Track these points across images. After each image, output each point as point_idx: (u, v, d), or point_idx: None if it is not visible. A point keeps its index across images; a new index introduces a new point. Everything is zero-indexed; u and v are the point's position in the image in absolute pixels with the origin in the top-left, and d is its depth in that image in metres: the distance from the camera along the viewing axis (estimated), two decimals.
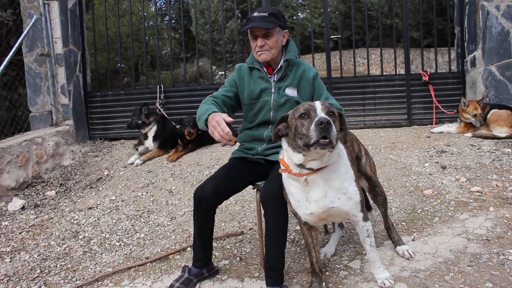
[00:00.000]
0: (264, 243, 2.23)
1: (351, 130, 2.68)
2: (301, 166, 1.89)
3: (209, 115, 2.13)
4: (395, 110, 5.72)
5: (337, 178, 1.93)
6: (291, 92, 2.40)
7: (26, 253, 3.04)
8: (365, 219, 2.09)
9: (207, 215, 2.33)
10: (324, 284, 2.19)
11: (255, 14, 2.34)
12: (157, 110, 5.48)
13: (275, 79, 2.42)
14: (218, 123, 2.05)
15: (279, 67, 2.41)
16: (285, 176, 2.03)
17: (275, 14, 2.33)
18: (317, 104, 1.84)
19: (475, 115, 4.66)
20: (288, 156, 1.93)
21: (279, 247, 2.17)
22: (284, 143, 1.96)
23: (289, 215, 2.20)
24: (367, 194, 2.57)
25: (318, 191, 1.92)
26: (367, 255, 2.18)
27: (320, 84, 2.45)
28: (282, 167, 1.98)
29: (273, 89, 2.40)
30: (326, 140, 1.69)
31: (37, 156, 4.56)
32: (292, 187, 1.99)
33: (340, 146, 1.98)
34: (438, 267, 2.27)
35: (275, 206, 2.12)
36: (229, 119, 2.07)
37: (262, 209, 2.23)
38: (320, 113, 1.78)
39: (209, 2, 6.99)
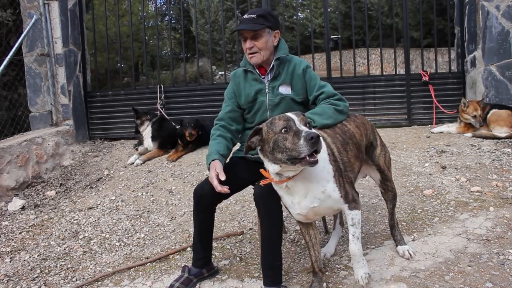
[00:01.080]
0: (260, 243, 2.23)
1: None
2: (278, 174, 1.92)
3: (211, 161, 2.24)
4: (395, 110, 5.72)
5: (315, 178, 1.93)
6: (284, 90, 2.40)
7: (26, 253, 3.04)
8: (351, 208, 2.04)
9: (206, 214, 2.34)
10: (324, 284, 2.19)
11: (245, 16, 2.36)
12: (157, 111, 5.49)
13: (269, 79, 2.42)
14: (212, 179, 2.16)
15: (271, 66, 2.41)
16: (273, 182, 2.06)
17: (264, 15, 2.34)
18: (294, 117, 1.84)
19: (474, 116, 4.66)
20: (265, 166, 1.96)
21: (274, 247, 2.17)
22: (260, 154, 1.97)
23: (288, 215, 2.20)
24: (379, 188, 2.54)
25: (299, 194, 1.97)
26: (349, 245, 2.07)
27: (312, 76, 2.42)
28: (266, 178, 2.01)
29: (267, 89, 2.41)
30: (316, 159, 1.74)
31: (37, 156, 4.56)
32: (279, 190, 2.05)
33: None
34: (438, 267, 2.27)
35: (269, 206, 2.13)
36: (222, 176, 2.15)
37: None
38: (300, 126, 1.79)
39: (209, 2, 7.00)
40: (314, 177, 1.94)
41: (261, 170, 2.02)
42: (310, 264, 2.32)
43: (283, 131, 1.81)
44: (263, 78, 2.43)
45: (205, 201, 2.28)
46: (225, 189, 2.12)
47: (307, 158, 1.74)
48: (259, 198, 2.15)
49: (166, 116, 5.42)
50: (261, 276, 2.38)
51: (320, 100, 2.35)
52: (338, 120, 2.25)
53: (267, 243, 2.17)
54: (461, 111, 4.79)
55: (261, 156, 1.97)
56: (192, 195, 2.34)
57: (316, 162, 1.75)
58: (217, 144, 2.35)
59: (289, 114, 1.87)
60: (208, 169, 2.23)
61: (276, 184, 2.00)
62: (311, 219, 2.14)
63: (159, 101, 5.65)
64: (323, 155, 1.96)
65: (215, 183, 2.14)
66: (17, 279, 2.69)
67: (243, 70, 2.48)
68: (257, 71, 2.43)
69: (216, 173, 2.16)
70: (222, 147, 2.33)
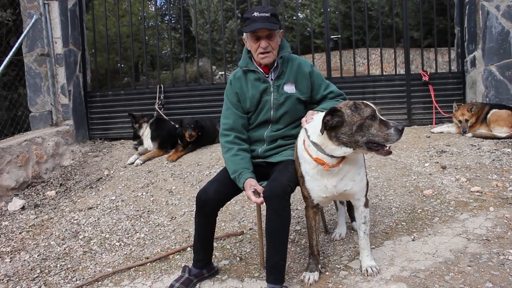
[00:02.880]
0: (266, 241, 2.24)
1: None
2: (333, 156, 2.06)
3: (245, 180, 2.25)
4: (395, 110, 5.71)
5: (355, 164, 2.16)
6: (289, 89, 2.40)
7: (26, 253, 3.04)
8: (366, 205, 2.28)
9: (209, 218, 2.34)
10: (319, 266, 2.34)
11: (256, 14, 2.28)
12: (155, 112, 5.48)
13: (273, 78, 2.41)
14: (250, 197, 2.19)
15: (275, 65, 2.40)
16: (309, 168, 2.16)
17: (275, 14, 2.33)
18: (375, 107, 2.02)
19: (460, 121, 4.71)
20: (329, 151, 2.04)
21: (281, 246, 2.18)
22: (322, 138, 2.04)
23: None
24: None
25: (338, 177, 2.13)
26: (359, 241, 2.33)
27: (318, 76, 2.47)
28: (318, 165, 2.10)
29: (272, 88, 2.40)
30: (391, 150, 2.00)
31: (37, 156, 4.56)
32: (317, 175, 2.16)
33: None
34: (438, 267, 2.27)
35: (278, 205, 2.13)
36: (260, 189, 2.21)
37: (262, 208, 2.24)
38: (382, 117, 2.01)
39: (209, 2, 6.99)
40: (356, 161, 2.16)
41: (316, 158, 2.09)
42: (308, 247, 2.37)
43: (370, 117, 1.97)
44: (267, 76, 2.41)
45: (209, 206, 2.27)
46: (262, 199, 2.17)
47: (386, 148, 1.97)
48: (269, 197, 2.15)
49: (164, 116, 5.42)
50: (261, 276, 2.38)
51: (328, 98, 2.45)
52: None
53: (274, 242, 2.17)
54: (453, 115, 4.84)
55: (324, 138, 2.03)
56: (195, 197, 2.32)
57: (390, 153, 2.00)
58: (242, 160, 2.33)
59: (369, 103, 2.04)
60: (243, 187, 2.25)
61: (328, 168, 2.08)
62: (330, 201, 2.45)
63: (157, 101, 5.64)
64: None
65: (253, 199, 2.17)
66: (17, 279, 2.69)
67: (243, 71, 2.45)
68: (261, 70, 2.41)
69: (253, 189, 2.19)
70: (248, 163, 2.34)
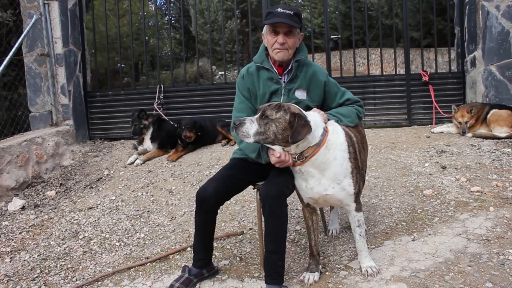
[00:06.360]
0: (264, 242, 2.24)
1: None
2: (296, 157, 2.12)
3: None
4: (395, 110, 5.72)
5: (330, 169, 2.11)
6: (300, 94, 2.36)
7: (26, 253, 3.04)
8: (358, 209, 2.26)
9: (209, 216, 2.34)
10: (320, 266, 2.35)
11: (279, 10, 2.26)
12: (154, 111, 5.48)
13: (285, 80, 2.37)
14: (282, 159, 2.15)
15: (290, 67, 2.36)
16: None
17: (299, 15, 2.30)
18: (263, 107, 2.06)
19: (460, 123, 4.72)
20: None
21: (278, 246, 2.18)
22: None
23: (288, 215, 2.21)
24: None
25: (313, 179, 2.14)
26: (356, 244, 2.33)
27: (334, 84, 2.45)
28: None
29: (283, 91, 2.36)
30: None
31: (37, 156, 4.56)
32: (296, 173, 2.21)
33: (334, 141, 2.11)
34: (438, 267, 2.27)
35: (275, 205, 2.13)
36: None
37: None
38: (256, 116, 2.06)
39: (209, 2, 7.00)
40: (330, 168, 2.11)
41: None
42: (308, 247, 2.39)
43: None
44: (280, 78, 2.37)
45: (208, 204, 2.27)
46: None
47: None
48: (265, 197, 2.15)
49: (164, 116, 5.41)
50: (261, 276, 2.38)
51: (345, 105, 2.44)
52: (356, 123, 2.39)
53: (271, 243, 2.17)
54: (452, 116, 4.85)
55: None
56: (195, 197, 2.32)
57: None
58: None
59: (265, 104, 2.10)
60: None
61: (292, 168, 2.18)
62: (320, 205, 2.37)
63: (156, 101, 5.63)
64: (339, 154, 2.12)
65: (287, 159, 2.12)
66: (17, 279, 2.69)
67: (256, 67, 2.39)
68: (275, 69, 2.36)
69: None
70: None
